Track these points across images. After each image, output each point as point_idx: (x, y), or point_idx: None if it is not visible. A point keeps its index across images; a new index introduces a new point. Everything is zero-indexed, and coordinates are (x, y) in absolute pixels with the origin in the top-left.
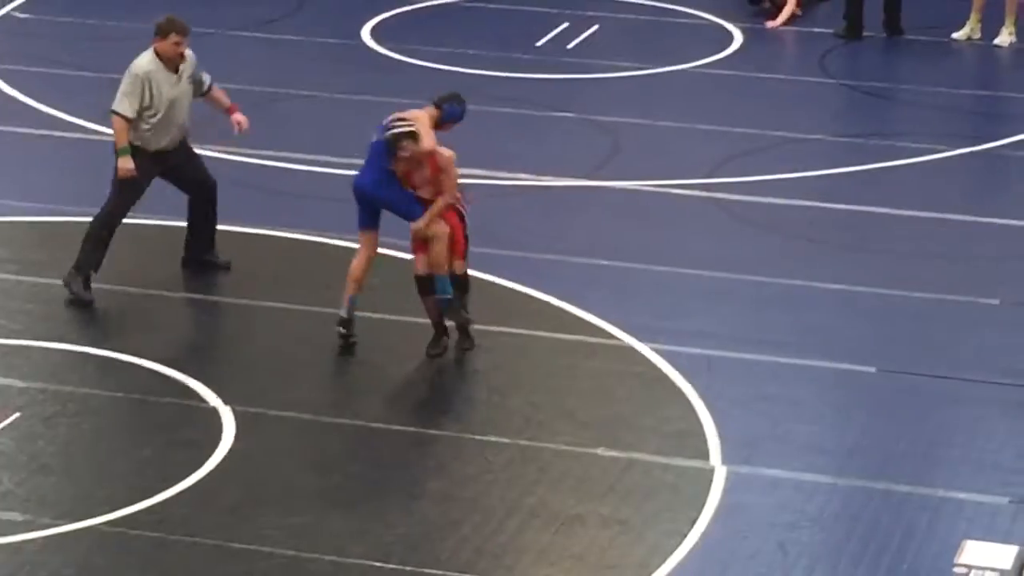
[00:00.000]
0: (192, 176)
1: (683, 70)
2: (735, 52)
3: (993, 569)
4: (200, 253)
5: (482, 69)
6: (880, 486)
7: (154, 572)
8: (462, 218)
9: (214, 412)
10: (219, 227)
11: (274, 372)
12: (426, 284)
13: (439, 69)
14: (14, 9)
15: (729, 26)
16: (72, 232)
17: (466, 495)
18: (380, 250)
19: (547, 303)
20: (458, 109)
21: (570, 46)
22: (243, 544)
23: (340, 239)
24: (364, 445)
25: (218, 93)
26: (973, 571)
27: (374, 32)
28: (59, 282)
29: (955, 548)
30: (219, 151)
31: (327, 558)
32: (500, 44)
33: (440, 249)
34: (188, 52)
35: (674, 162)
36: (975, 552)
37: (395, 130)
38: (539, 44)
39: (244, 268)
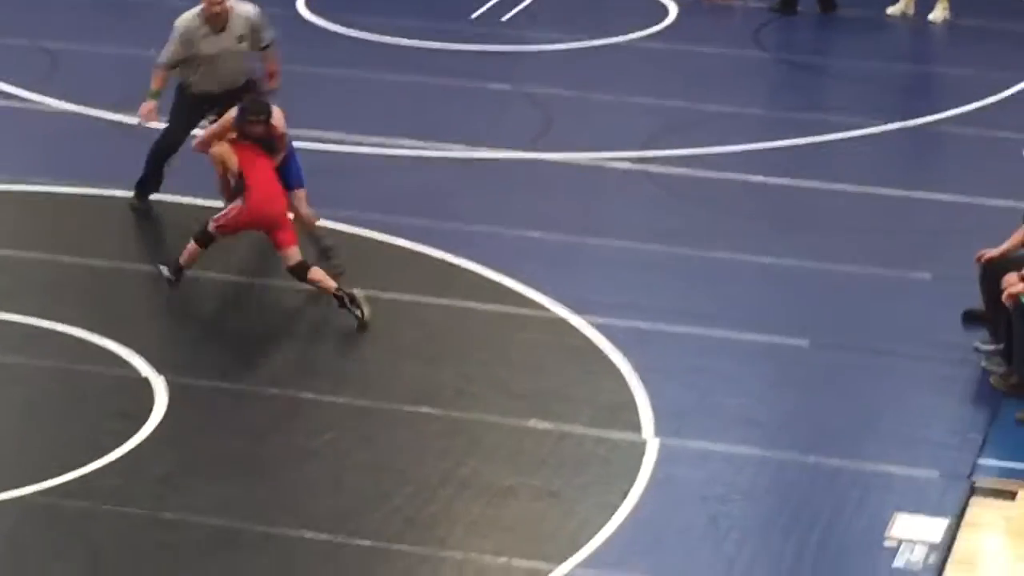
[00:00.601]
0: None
1: (618, 43)
2: (670, 25)
3: (923, 542)
4: None
5: (417, 40)
6: (811, 459)
7: (83, 542)
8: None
9: (146, 382)
10: (161, 197)
11: (207, 342)
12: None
13: (373, 41)
14: None
15: (664, 0)
16: (3, 201)
17: (397, 466)
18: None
19: (480, 275)
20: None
21: (505, 18)
22: (173, 514)
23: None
24: (294, 416)
25: (269, 55)
26: (903, 544)
27: (309, 2)
28: None
29: (886, 522)
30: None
31: (257, 528)
32: (435, 15)
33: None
34: (248, 10)
35: (607, 135)
36: (905, 525)
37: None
38: (474, 16)
39: (179, 239)
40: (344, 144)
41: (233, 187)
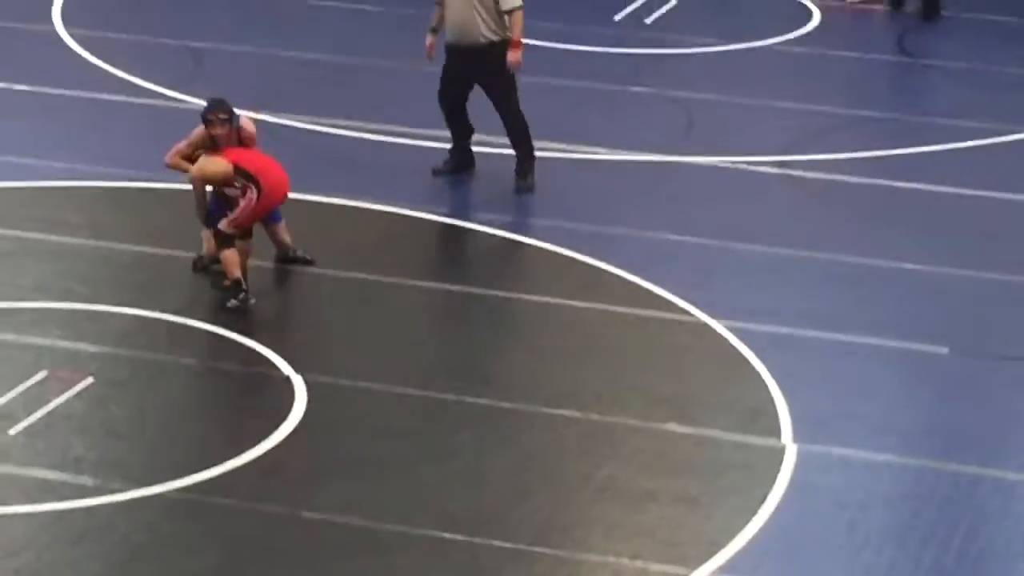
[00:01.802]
0: (489, 93)
1: (760, 47)
2: (813, 30)
3: None
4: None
5: (560, 43)
6: (951, 467)
7: (222, 539)
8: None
9: (286, 381)
10: (303, 196)
11: (347, 342)
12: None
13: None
14: None
15: (808, 3)
16: (145, 198)
17: (536, 468)
18: (459, 223)
19: (621, 278)
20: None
21: (648, 20)
22: (312, 513)
23: (424, 212)
24: (435, 417)
25: (511, 22)
26: None
27: None
28: (131, 248)
29: None
30: (300, 121)
31: (395, 528)
32: (578, 18)
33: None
34: None
35: (749, 139)
36: None
37: None
38: (617, 18)
39: (322, 239)
40: (489, 147)
41: (210, 205)
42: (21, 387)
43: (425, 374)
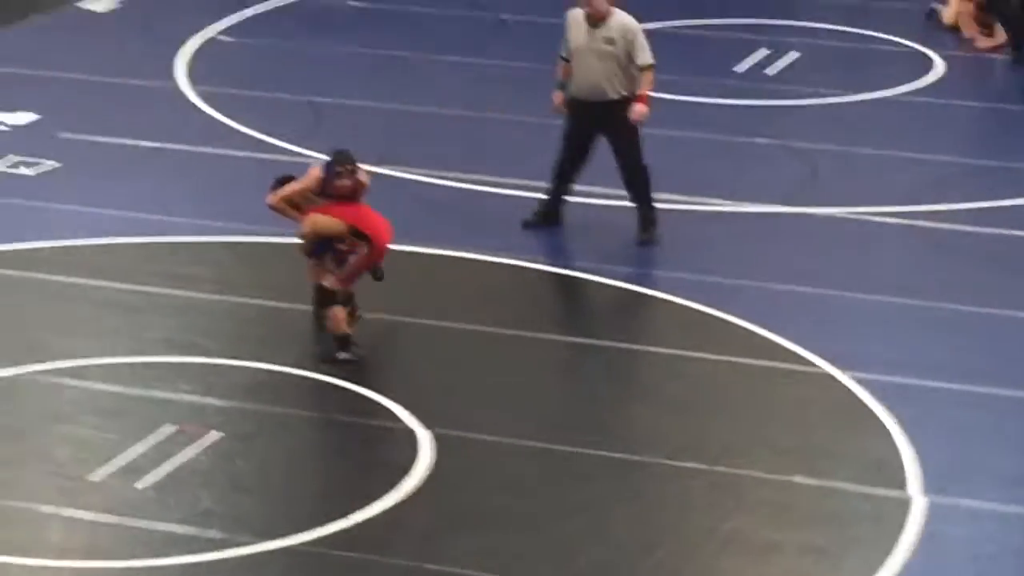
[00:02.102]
0: (614, 146)
1: (882, 97)
2: (936, 80)
3: None
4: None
5: (680, 94)
6: None
7: None
8: None
9: (411, 434)
10: (421, 249)
11: (471, 395)
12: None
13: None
14: (220, 33)
15: (931, 53)
16: (270, 253)
17: (661, 521)
18: (581, 275)
19: (743, 328)
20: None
21: (769, 72)
22: (437, 566)
23: (544, 264)
24: (561, 470)
25: (643, 78)
26: None
27: None
28: (256, 302)
29: None
30: (422, 174)
31: None
32: (699, 69)
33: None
34: (629, 20)
35: (872, 189)
36: None
37: None
38: (739, 69)
39: (442, 290)
40: (607, 199)
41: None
42: (148, 441)
43: (549, 427)
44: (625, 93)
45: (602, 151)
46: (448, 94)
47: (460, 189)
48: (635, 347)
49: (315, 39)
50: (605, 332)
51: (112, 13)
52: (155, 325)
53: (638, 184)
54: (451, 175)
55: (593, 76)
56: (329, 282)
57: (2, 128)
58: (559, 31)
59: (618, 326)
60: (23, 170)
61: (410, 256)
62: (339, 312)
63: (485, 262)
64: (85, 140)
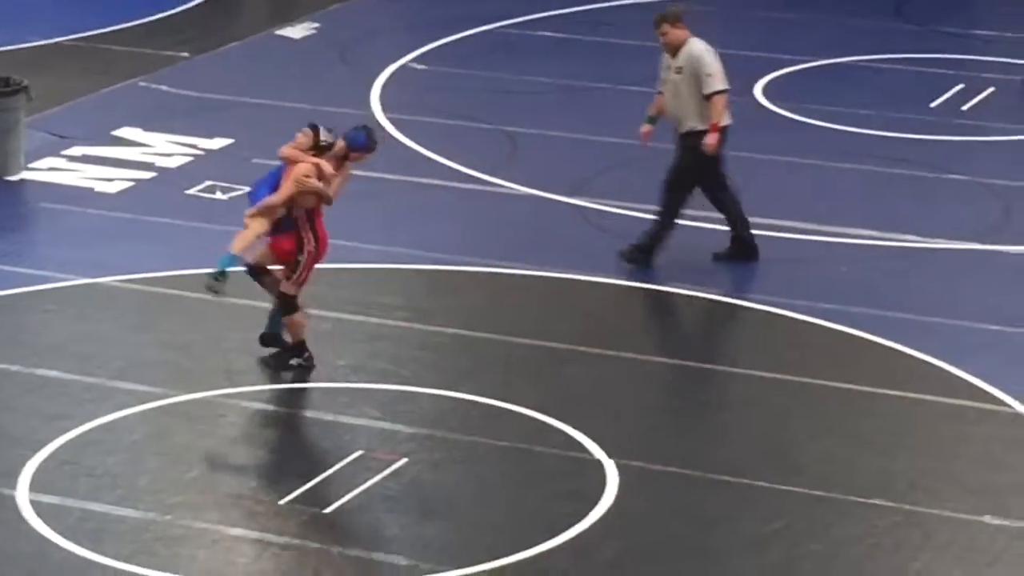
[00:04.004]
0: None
1: None
2: None
3: None
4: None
5: (874, 129)
6: None
7: None
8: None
9: (598, 465)
10: (613, 281)
11: (658, 427)
12: (285, 302)
13: (830, 128)
14: (411, 60)
15: None
16: (462, 281)
17: (849, 558)
18: (770, 309)
19: (934, 366)
20: (361, 135)
21: (965, 108)
22: None
23: (732, 297)
24: (748, 503)
25: (711, 107)
26: None
27: (766, 90)
28: (446, 330)
29: None
30: (611, 205)
31: None
32: (893, 104)
33: (246, 234)
34: (698, 49)
35: None
36: None
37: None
38: (933, 105)
39: (635, 324)
40: (799, 233)
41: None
42: (337, 466)
43: (737, 461)
44: (702, 127)
45: (778, 183)
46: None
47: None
48: (823, 382)
49: (507, 68)
50: (793, 367)
51: (307, 40)
52: (346, 352)
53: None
54: (640, 206)
55: (672, 104)
56: (287, 288)
57: (197, 153)
58: (749, 62)
59: (806, 361)
60: (217, 195)
61: (594, 286)
62: (300, 319)
63: (674, 295)
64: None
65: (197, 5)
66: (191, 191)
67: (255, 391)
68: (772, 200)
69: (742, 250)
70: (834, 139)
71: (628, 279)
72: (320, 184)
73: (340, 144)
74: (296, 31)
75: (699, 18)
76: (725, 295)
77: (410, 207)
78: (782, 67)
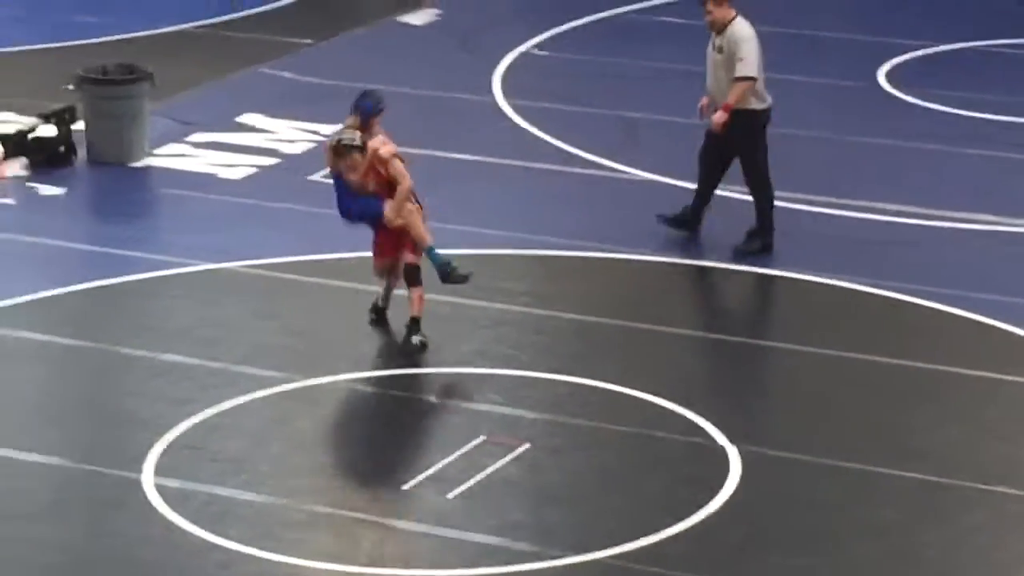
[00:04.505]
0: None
1: None
2: None
3: None
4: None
5: (999, 114)
6: None
7: None
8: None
9: (721, 451)
10: (730, 266)
11: (779, 413)
12: (414, 274)
13: (953, 113)
14: (533, 46)
15: None
16: (582, 266)
17: (973, 546)
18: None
19: None
20: (368, 103)
21: None
22: None
23: (849, 280)
24: (870, 490)
25: (734, 87)
26: None
27: (890, 75)
28: (568, 315)
29: None
30: (727, 190)
31: None
32: (1019, 89)
33: (417, 225)
34: (739, 31)
35: None
36: None
37: (344, 142)
38: None
39: (746, 307)
40: (921, 219)
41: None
42: (460, 451)
43: (857, 446)
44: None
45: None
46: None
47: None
48: (946, 368)
49: (627, 54)
50: (915, 353)
51: (430, 26)
52: (468, 337)
53: (756, 194)
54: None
55: (714, 83)
56: (412, 259)
57: (320, 139)
58: (872, 47)
59: (929, 347)
60: None
61: (711, 271)
62: (421, 295)
63: (785, 279)
64: (401, 151)
65: None
66: (313, 177)
67: (377, 376)
68: (894, 186)
69: (692, 221)
70: (957, 124)
71: (745, 265)
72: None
73: (354, 119)
74: (418, 18)
75: (824, 3)
76: (843, 281)
77: (531, 192)
78: (905, 52)
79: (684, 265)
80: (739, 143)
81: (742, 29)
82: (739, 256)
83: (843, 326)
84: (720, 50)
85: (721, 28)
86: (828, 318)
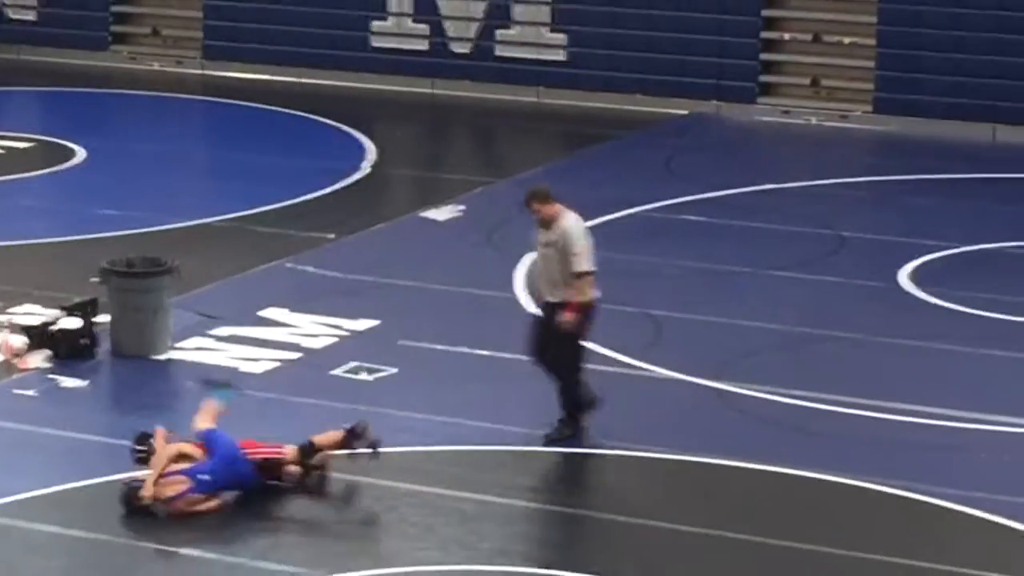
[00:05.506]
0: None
1: None
2: None
3: None
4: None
5: (1013, 315)
6: None
7: None
8: None
9: None
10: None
11: None
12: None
13: (976, 315)
14: None
15: None
16: (599, 463)
17: None
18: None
19: None
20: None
21: None
22: None
23: (878, 483)
24: None
25: (575, 285)
26: None
27: (913, 275)
28: (591, 514)
29: None
30: (758, 391)
31: None
32: None
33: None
34: (569, 225)
35: None
36: None
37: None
38: None
39: (780, 507)
40: (951, 420)
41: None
42: None
43: None
44: (557, 300)
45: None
46: (785, 310)
47: (799, 407)
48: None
49: (652, 251)
50: (956, 559)
51: (452, 222)
52: (490, 534)
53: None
54: (790, 392)
55: (543, 278)
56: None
57: (343, 334)
58: (899, 249)
59: (964, 551)
60: (362, 375)
61: (739, 471)
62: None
63: (819, 481)
64: (423, 347)
65: (342, 188)
66: (336, 372)
67: (401, 573)
68: (923, 387)
69: (573, 423)
70: (981, 326)
71: (776, 465)
72: None
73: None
74: (441, 213)
75: (849, 203)
76: (881, 484)
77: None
78: (928, 252)
79: (708, 464)
80: (571, 332)
81: (572, 225)
82: (550, 443)
83: (884, 531)
84: (550, 245)
85: (549, 224)
86: (866, 523)
